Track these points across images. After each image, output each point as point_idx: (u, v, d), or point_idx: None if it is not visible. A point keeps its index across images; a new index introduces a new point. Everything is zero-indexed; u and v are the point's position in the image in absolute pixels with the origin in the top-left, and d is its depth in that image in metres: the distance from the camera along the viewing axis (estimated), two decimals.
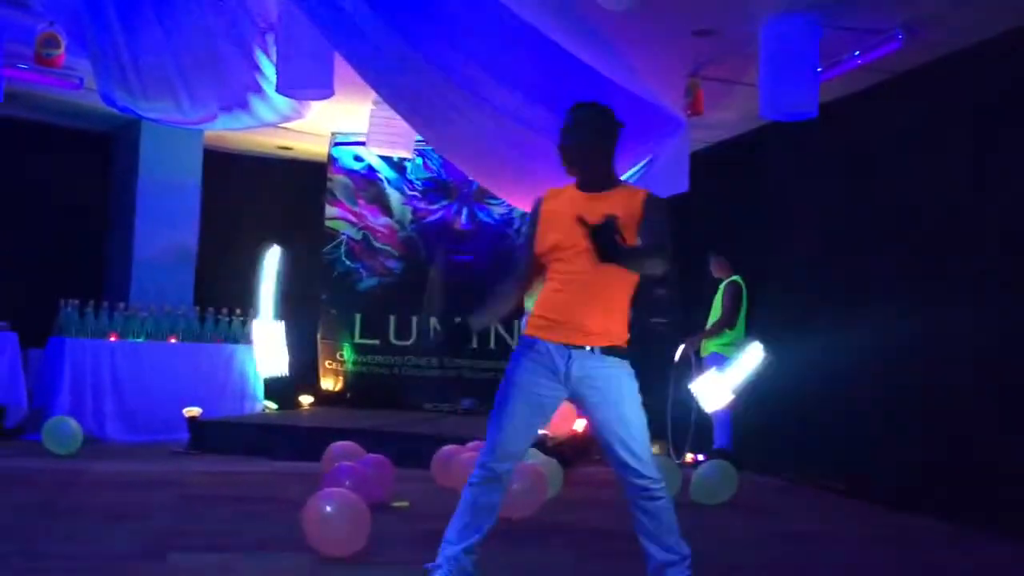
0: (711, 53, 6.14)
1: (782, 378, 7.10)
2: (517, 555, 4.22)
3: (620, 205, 3.09)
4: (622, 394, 3.14)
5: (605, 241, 2.76)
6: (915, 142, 6.10)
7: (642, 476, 3.16)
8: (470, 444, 5.97)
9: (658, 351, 8.24)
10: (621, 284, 3.21)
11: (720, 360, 7.10)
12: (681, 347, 7.47)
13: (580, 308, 3.13)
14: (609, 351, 3.15)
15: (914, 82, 6.09)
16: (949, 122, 5.84)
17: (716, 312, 7.24)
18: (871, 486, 6.14)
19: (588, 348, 3.13)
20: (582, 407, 3.22)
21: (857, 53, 5.73)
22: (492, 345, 9.52)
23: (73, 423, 6.80)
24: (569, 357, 3.12)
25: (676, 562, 3.15)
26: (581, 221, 2.81)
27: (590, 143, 3.23)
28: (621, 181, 3.33)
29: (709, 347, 7.18)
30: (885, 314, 6.18)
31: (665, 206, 3.22)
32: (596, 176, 3.24)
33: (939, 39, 5.55)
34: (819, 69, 5.65)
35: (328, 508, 3.92)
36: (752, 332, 7.15)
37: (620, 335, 3.20)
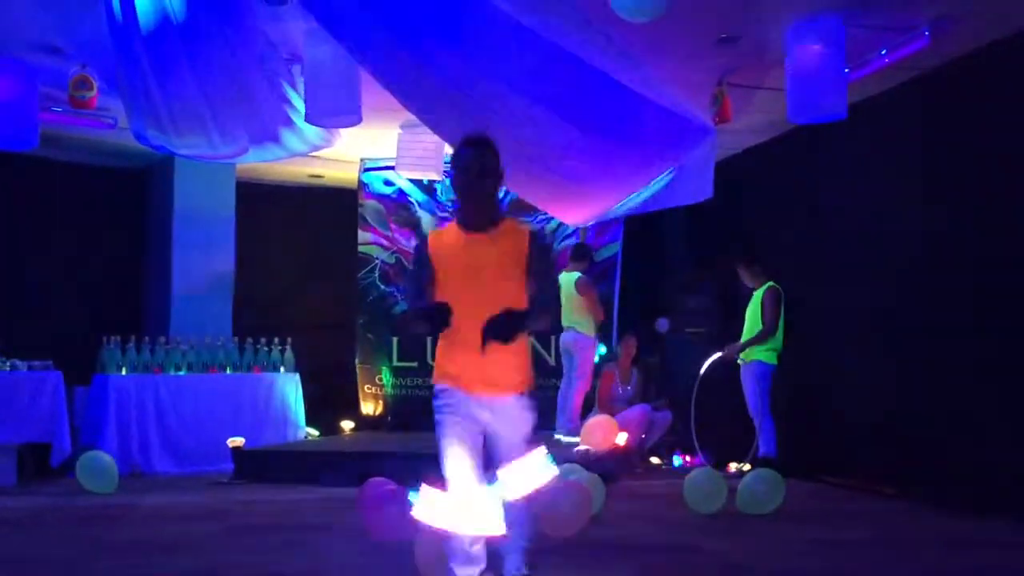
0: (737, 60, 6.12)
1: (824, 384, 7.04)
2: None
3: (508, 244, 3.23)
4: None
5: (501, 333, 3.02)
6: (945, 140, 6.04)
7: None
8: None
9: (689, 361, 8.21)
10: None
11: (764, 368, 7.04)
12: (715, 355, 7.42)
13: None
14: None
15: (943, 78, 6.03)
16: (980, 118, 5.78)
17: (755, 320, 7.17)
18: (922, 489, 6.04)
19: None
20: None
21: (884, 52, 5.69)
22: None
23: (107, 458, 6.86)
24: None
25: None
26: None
27: (492, 182, 3.25)
28: (504, 216, 3.37)
29: (752, 355, 7.11)
30: (929, 315, 6.11)
31: (548, 246, 3.48)
32: (488, 215, 3.28)
33: (966, 36, 5.50)
34: (846, 70, 5.61)
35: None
36: (789, 338, 7.10)
37: None
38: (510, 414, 3.30)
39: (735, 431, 7.48)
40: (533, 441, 3.36)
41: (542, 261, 3.32)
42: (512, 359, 3.26)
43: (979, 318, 5.69)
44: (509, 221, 3.36)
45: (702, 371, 7.54)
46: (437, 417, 3.37)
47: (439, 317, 3.04)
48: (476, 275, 3.17)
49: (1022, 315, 5.40)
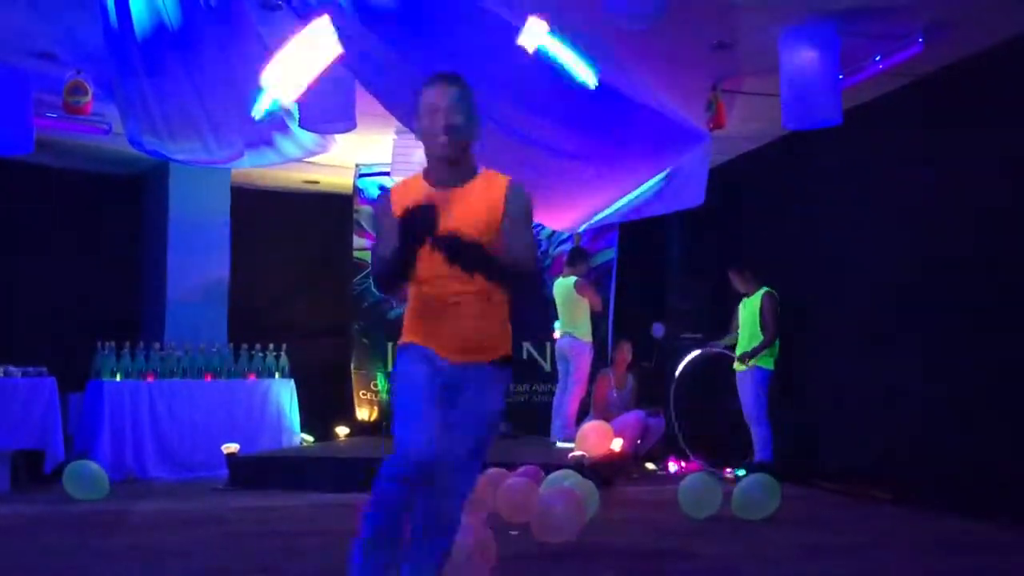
0: (731, 66, 6.14)
1: (818, 389, 7.05)
2: None
3: (481, 198, 2.82)
4: None
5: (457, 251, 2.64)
6: (941, 145, 6.05)
7: None
8: (520, 469, 5.89)
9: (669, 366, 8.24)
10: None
11: (763, 373, 7.05)
12: (695, 352, 7.46)
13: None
14: None
15: (937, 84, 6.05)
16: (976, 123, 5.80)
17: (754, 327, 7.17)
18: (917, 494, 6.05)
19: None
20: None
21: (878, 58, 5.71)
22: (524, 368, 9.51)
23: (94, 465, 6.84)
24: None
25: None
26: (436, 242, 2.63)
27: (466, 126, 2.80)
28: (478, 168, 2.92)
29: (751, 361, 7.10)
30: (924, 320, 6.12)
31: (527, 200, 2.87)
32: (460, 166, 2.85)
33: (960, 41, 5.52)
34: (841, 76, 5.63)
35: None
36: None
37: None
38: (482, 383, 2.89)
39: (725, 434, 7.50)
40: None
41: (519, 215, 2.84)
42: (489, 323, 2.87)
43: (975, 322, 5.71)
44: (485, 172, 2.90)
45: (680, 368, 7.58)
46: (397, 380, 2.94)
47: (424, 217, 2.59)
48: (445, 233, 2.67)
49: (1019, 318, 5.41)
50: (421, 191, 2.82)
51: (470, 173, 2.87)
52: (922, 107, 6.21)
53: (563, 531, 4.77)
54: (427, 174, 2.90)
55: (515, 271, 2.80)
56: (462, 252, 2.65)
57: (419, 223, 2.61)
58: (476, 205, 2.80)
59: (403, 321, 2.98)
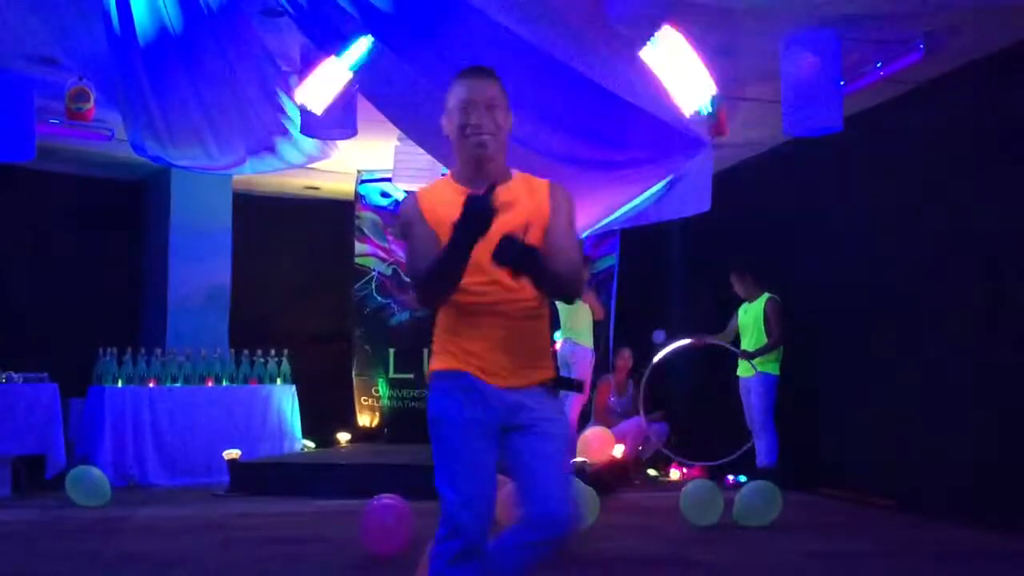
0: (732, 72, 6.13)
1: (821, 395, 7.04)
2: None
3: (524, 201, 2.56)
4: None
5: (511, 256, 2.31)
6: (942, 151, 6.05)
7: None
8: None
9: (685, 372, 8.22)
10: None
11: (771, 379, 7.04)
12: (684, 341, 7.46)
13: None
14: None
15: (937, 91, 6.05)
16: (975, 129, 5.80)
17: (759, 332, 7.16)
18: (922, 500, 6.04)
19: None
20: None
21: (879, 65, 5.71)
22: None
23: (97, 472, 6.85)
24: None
25: None
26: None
27: (502, 120, 2.57)
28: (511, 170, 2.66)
29: (758, 367, 7.09)
30: (926, 326, 6.12)
31: (569, 201, 2.63)
32: (496, 165, 2.57)
33: (961, 48, 5.52)
34: (842, 83, 5.63)
35: None
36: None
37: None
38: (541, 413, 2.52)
39: (725, 439, 7.48)
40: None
41: (566, 220, 2.58)
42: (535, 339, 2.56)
43: (977, 329, 5.70)
44: (520, 174, 2.65)
45: (660, 356, 7.57)
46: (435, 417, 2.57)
47: (484, 208, 2.25)
48: (487, 242, 2.33)
49: (1021, 326, 5.40)
50: (454, 194, 2.49)
51: (505, 174, 2.59)
52: (922, 114, 6.21)
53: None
54: (457, 176, 2.61)
55: (566, 279, 2.51)
56: (523, 256, 2.31)
57: (479, 216, 2.27)
58: (520, 208, 2.51)
59: (433, 341, 2.61)
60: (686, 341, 7.58)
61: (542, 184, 2.64)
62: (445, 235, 2.37)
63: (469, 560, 2.40)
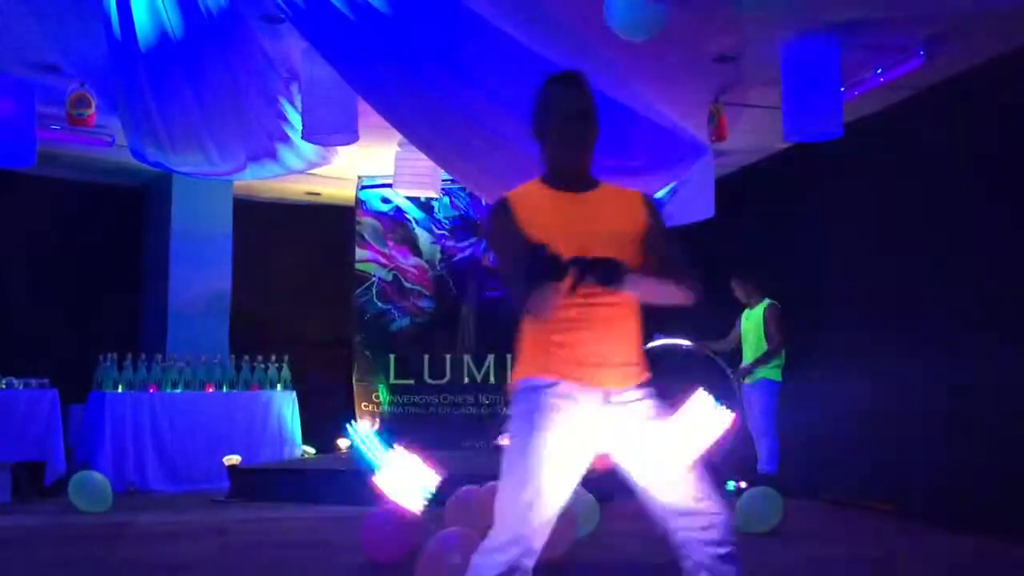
0: (733, 78, 6.15)
1: (822, 401, 7.03)
2: None
3: (617, 210, 2.56)
4: None
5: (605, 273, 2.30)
6: (942, 157, 6.06)
7: None
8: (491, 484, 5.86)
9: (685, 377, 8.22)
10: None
11: (773, 385, 7.02)
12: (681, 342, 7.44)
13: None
14: None
15: (937, 97, 6.06)
16: (975, 136, 5.80)
17: (759, 338, 7.14)
18: (922, 506, 6.03)
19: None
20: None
21: (879, 71, 5.72)
22: None
23: (99, 477, 6.85)
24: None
25: None
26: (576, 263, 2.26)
27: (594, 128, 2.60)
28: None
29: (760, 374, 7.08)
30: (927, 333, 6.11)
31: (661, 213, 2.66)
32: (589, 170, 2.62)
33: (961, 54, 5.53)
34: (842, 89, 5.64)
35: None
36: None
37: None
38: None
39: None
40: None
41: (663, 226, 2.61)
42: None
43: (979, 335, 5.69)
44: (606, 182, 2.66)
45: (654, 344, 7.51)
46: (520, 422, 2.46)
47: (549, 263, 2.20)
48: (582, 248, 2.32)
49: (1021, 329, 5.39)
50: (545, 197, 2.55)
51: (593, 180, 2.62)
52: (922, 120, 6.22)
53: (553, 546, 4.71)
54: (548, 179, 2.61)
55: (683, 283, 2.54)
56: (611, 272, 2.31)
57: (544, 273, 2.24)
58: (614, 216, 2.52)
59: (521, 347, 2.55)
60: (687, 343, 7.55)
61: (634, 193, 2.64)
62: (536, 235, 2.37)
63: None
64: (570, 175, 2.58)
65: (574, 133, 2.55)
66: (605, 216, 2.51)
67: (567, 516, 4.83)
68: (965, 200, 5.87)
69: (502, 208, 2.55)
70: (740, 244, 8.11)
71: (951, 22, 5.13)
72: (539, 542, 2.43)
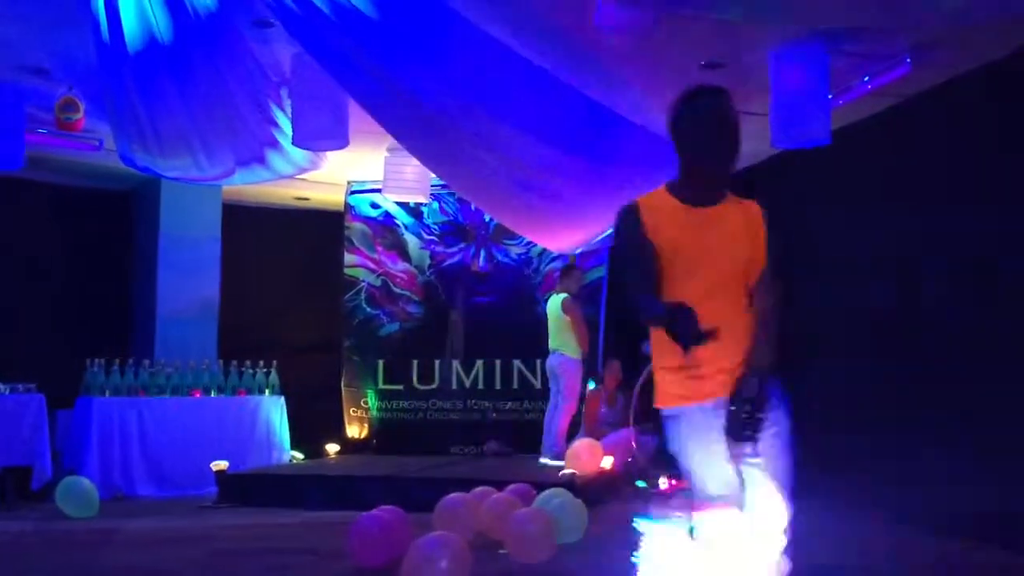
0: (721, 84, 6.15)
1: (813, 407, 7.03)
2: None
3: (741, 223, 2.63)
4: None
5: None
6: (929, 164, 6.09)
7: None
8: (510, 487, 5.88)
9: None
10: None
11: None
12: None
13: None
14: None
15: (925, 105, 6.10)
16: (962, 143, 5.84)
17: None
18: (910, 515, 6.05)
19: None
20: None
21: (867, 78, 5.75)
22: (515, 385, 9.51)
23: (87, 483, 6.82)
24: None
25: None
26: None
27: (738, 143, 2.67)
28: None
29: None
30: (914, 334, 6.14)
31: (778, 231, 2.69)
32: (725, 186, 2.68)
33: (947, 63, 5.56)
34: (829, 96, 5.67)
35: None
36: None
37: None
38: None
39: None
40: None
41: (778, 249, 2.71)
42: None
43: (966, 347, 5.71)
44: (732, 195, 2.73)
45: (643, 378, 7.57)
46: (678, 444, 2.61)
47: (691, 329, 2.35)
48: (711, 266, 2.52)
49: (1013, 339, 5.38)
50: (674, 210, 2.62)
51: (723, 194, 2.68)
52: (910, 127, 6.25)
53: (534, 552, 4.73)
54: (676, 189, 2.66)
55: (772, 316, 2.72)
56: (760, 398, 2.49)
57: (685, 337, 2.40)
58: (737, 233, 2.61)
59: (658, 374, 2.69)
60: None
61: (757, 211, 2.71)
62: (663, 247, 2.52)
63: None
64: (699, 187, 2.62)
65: (725, 143, 2.62)
66: (729, 235, 2.59)
67: (546, 522, 4.86)
68: (952, 207, 5.90)
69: (631, 214, 2.60)
70: None
71: (936, 31, 5.16)
72: None
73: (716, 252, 2.53)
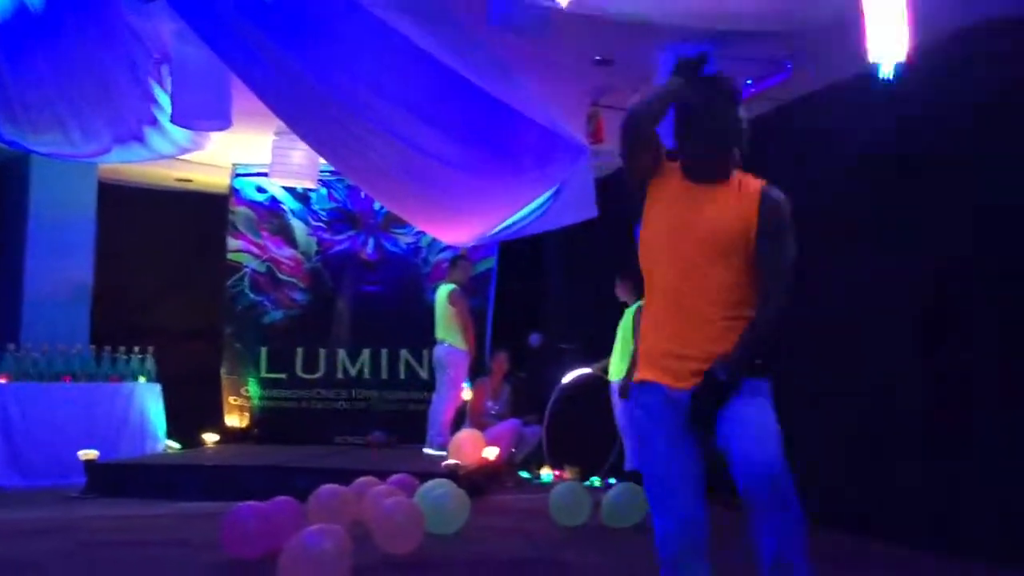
0: (611, 81, 6.25)
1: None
2: None
3: (733, 202, 2.61)
4: None
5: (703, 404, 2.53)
6: (807, 168, 6.29)
7: None
8: (393, 478, 5.85)
9: (559, 376, 8.35)
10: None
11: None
12: (583, 370, 7.57)
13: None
14: None
15: (806, 108, 6.30)
16: (840, 146, 6.04)
17: (627, 338, 7.27)
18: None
19: None
20: None
21: (750, 82, 5.91)
22: (402, 376, 9.46)
23: None
24: None
25: None
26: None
27: (744, 121, 2.69)
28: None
29: (619, 372, 7.22)
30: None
31: (786, 206, 2.65)
32: (728, 165, 2.69)
33: (827, 69, 5.76)
34: None
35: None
36: None
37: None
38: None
39: (596, 445, 7.61)
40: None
41: (776, 233, 2.59)
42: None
43: (869, 345, 5.86)
44: (740, 173, 2.71)
45: (563, 382, 7.72)
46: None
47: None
48: (683, 238, 2.60)
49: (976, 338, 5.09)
50: (678, 183, 2.69)
51: (728, 172, 2.67)
52: (791, 130, 6.43)
53: (401, 542, 4.71)
54: (686, 166, 2.70)
55: (775, 317, 2.57)
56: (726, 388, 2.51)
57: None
58: (727, 213, 2.60)
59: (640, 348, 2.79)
60: (577, 374, 7.75)
61: (755, 189, 2.66)
62: (652, 219, 2.70)
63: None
64: (705, 167, 2.66)
65: (733, 136, 2.65)
66: (720, 211, 2.59)
67: (412, 512, 4.84)
68: (836, 211, 6.07)
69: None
70: (615, 243, 8.25)
71: (816, 37, 5.33)
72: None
73: (691, 233, 2.59)
